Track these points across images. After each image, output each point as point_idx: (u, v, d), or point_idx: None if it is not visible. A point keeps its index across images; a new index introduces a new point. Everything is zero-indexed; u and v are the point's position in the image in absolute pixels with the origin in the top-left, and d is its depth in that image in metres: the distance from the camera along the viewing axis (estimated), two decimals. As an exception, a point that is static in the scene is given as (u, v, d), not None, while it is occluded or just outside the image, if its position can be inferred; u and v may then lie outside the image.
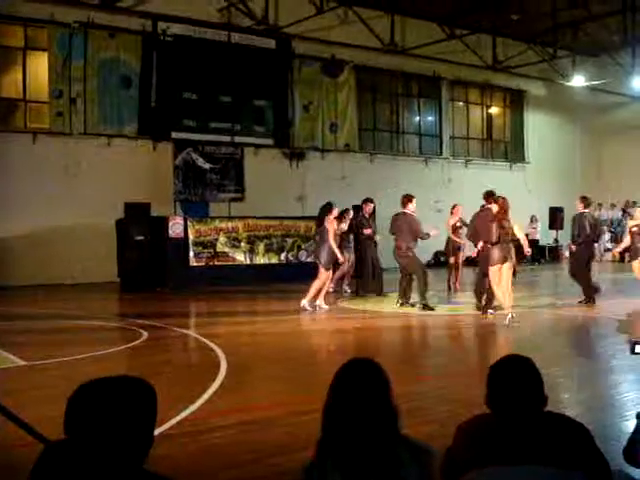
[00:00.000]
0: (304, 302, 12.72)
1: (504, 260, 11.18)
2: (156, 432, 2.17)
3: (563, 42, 24.98)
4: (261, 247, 18.78)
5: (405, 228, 12.71)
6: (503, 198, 11.61)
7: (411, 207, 12.91)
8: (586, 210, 13.48)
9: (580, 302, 13.11)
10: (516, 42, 25.86)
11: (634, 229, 13.59)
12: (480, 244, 11.62)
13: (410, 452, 2.49)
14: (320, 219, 13.18)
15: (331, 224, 12.84)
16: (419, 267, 12.86)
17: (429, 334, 11.32)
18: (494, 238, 11.22)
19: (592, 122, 30.40)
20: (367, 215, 15.42)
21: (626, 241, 14.50)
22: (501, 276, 11.27)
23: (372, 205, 15.53)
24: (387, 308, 13.16)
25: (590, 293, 13.12)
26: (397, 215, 13.09)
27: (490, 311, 11.71)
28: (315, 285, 12.82)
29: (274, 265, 18.89)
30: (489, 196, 12.05)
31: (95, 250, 18.16)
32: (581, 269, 13.37)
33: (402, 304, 12.97)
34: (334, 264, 13.37)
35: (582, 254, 13.38)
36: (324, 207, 13.21)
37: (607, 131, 30.11)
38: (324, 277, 12.89)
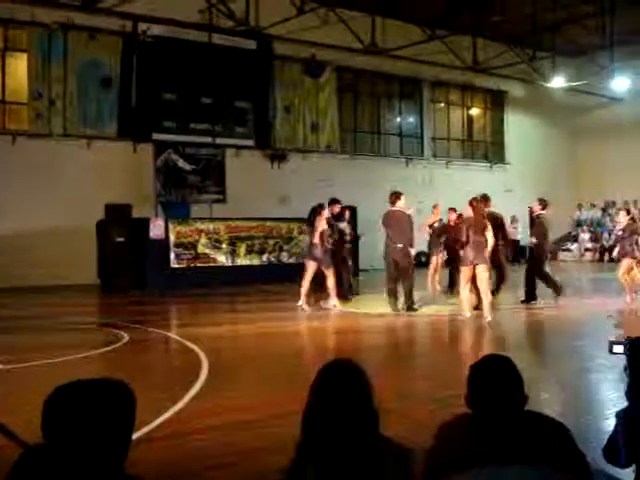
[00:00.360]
0: (332, 302, 13.08)
1: (475, 262, 11.23)
2: (137, 435, 2.16)
3: (543, 43, 25.11)
4: (242, 248, 18.76)
5: (397, 225, 12.57)
6: (477, 201, 11.71)
7: (400, 204, 12.72)
8: (543, 212, 13.71)
9: (555, 297, 13.38)
10: (496, 43, 25.96)
11: (619, 233, 13.71)
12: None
13: (391, 453, 2.48)
14: (311, 220, 13.14)
15: (320, 225, 12.87)
16: (411, 268, 12.87)
17: (416, 335, 11.32)
18: (464, 238, 11.28)
19: (572, 123, 30.63)
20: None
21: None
22: (476, 278, 11.33)
23: (339, 206, 14.50)
24: (379, 309, 13.03)
25: (556, 287, 13.48)
26: (388, 213, 12.86)
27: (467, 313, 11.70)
28: (330, 285, 13.03)
29: (255, 266, 18.88)
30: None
31: (75, 252, 18.04)
32: (539, 269, 13.56)
33: (410, 307, 12.62)
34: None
35: (540, 255, 13.61)
36: (314, 209, 13.17)
37: (587, 132, 30.34)
38: (332, 274, 13.08)
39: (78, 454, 1.99)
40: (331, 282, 13.04)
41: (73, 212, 18.31)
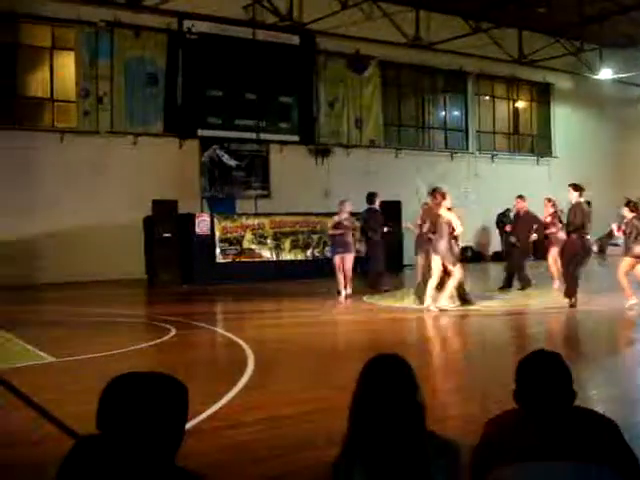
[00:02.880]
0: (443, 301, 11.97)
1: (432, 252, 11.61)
2: (186, 427, 2.18)
3: (589, 35, 24.71)
4: (287, 244, 18.84)
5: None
6: (434, 190, 12.08)
7: (446, 203, 12.06)
8: (581, 199, 12.31)
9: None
10: (542, 35, 25.63)
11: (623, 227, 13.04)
12: None
13: (437, 448, 2.48)
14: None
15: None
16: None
17: (451, 333, 11.25)
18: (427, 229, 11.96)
19: (619, 115, 30.05)
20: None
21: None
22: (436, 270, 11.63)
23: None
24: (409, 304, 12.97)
25: (572, 288, 12.29)
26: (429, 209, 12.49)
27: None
28: (451, 284, 11.96)
29: (300, 261, 18.93)
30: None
31: (123, 247, 18.30)
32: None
33: (465, 300, 12.33)
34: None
35: (573, 245, 12.30)
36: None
37: (635, 124, 29.76)
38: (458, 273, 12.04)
39: (132, 445, 2.03)
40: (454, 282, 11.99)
41: (120, 208, 18.58)
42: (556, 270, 14.21)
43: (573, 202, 12.12)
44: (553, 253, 14.45)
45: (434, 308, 11.68)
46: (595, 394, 6.32)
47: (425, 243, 12.67)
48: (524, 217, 15.00)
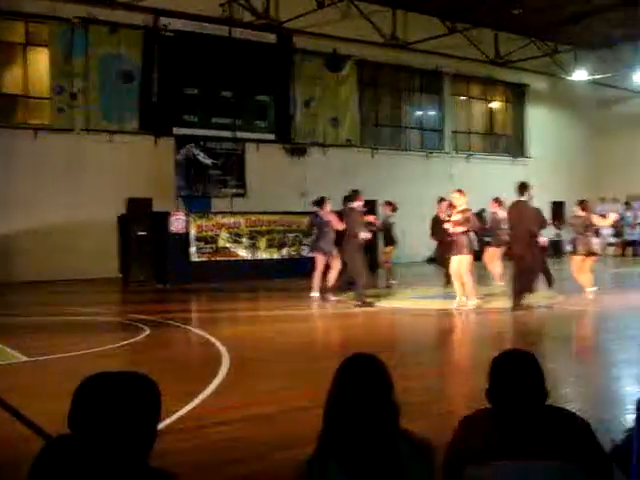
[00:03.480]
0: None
1: None
2: (159, 427, 2.17)
3: (564, 36, 24.92)
4: (263, 242, 18.80)
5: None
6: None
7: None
8: (523, 198, 12.05)
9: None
10: (518, 36, 25.82)
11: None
12: None
13: (411, 447, 2.49)
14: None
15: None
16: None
17: (428, 331, 11.30)
18: None
19: (594, 116, 30.39)
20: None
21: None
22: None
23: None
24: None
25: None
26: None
27: None
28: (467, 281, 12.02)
29: (276, 260, 18.91)
30: None
31: (97, 245, 18.20)
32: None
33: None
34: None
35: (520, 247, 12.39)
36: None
37: (609, 125, 30.10)
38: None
39: (104, 445, 2.01)
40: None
41: (95, 206, 18.45)
42: (493, 269, 15.37)
43: (515, 201, 12.01)
44: (492, 253, 15.33)
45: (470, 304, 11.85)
46: (567, 392, 6.37)
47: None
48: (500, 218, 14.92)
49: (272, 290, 15.84)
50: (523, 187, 11.92)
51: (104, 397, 2.05)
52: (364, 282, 12.83)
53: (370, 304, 12.60)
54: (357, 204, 12.97)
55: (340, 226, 13.20)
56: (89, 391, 2.08)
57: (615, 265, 22.96)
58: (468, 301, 11.84)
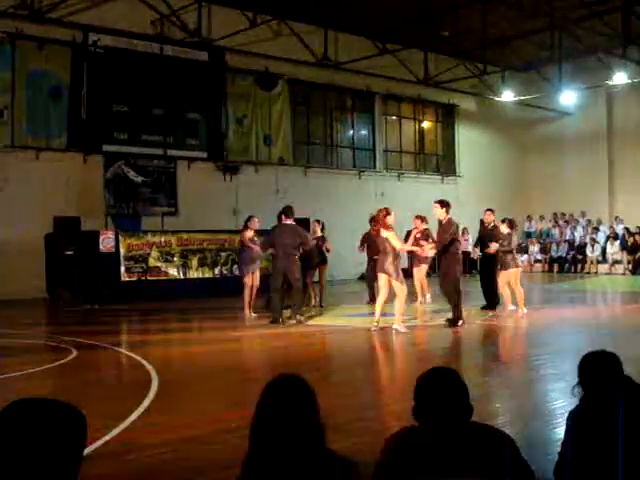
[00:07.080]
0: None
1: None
2: (85, 452, 2.09)
3: (492, 58, 25.52)
4: (195, 261, 18.62)
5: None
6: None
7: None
8: (449, 216, 12.36)
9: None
10: (447, 58, 26.32)
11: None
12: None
13: (336, 467, 2.47)
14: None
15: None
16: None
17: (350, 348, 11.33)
18: None
19: (522, 136, 31.17)
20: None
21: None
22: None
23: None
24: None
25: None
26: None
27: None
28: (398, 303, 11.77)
29: (208, 280, 18.74)
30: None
31: (23, 265, 17.70)
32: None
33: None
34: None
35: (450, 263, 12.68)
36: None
37: (536, 145, 30.95)
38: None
39: (26, 476, 1.92)
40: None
41: (22, 224, 17.96)
42: (420, 286, 15.75)
43: (441, 219, 12.21)
44: (420, 270, 15.86)
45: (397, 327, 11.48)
46: (498, 407, 6.45)
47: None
48: (425, 233, 15.16)
49: (204, 310, 15.65)
50: (447, 204, 12.22)
51: (21, 427, 1.95)
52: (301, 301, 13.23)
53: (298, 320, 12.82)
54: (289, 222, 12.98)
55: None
56: (5, 420, 1.98)
57: (542, 281, 23.48)
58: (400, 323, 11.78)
